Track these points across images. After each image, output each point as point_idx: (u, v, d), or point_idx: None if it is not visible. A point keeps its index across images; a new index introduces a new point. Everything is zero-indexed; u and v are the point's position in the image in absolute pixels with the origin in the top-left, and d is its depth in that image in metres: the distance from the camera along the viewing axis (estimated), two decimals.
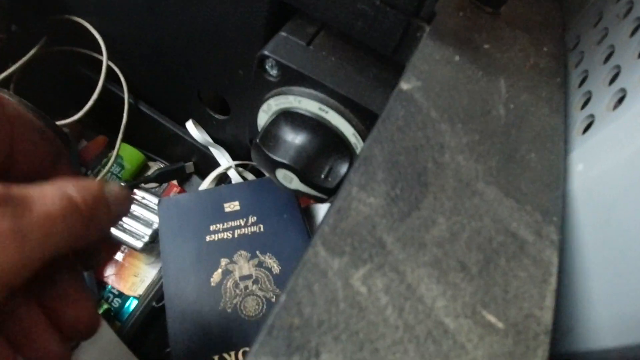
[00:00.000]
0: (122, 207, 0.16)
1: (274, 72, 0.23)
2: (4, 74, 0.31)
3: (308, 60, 0.22)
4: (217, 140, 0.36)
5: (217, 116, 0.33)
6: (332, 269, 0.11)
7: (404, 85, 0.17)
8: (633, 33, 0.23)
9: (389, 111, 0.15)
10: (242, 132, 0.33)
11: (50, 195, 0.13)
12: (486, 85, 0.19)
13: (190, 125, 0.35)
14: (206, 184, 0.34)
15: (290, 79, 0.23)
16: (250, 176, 0.36)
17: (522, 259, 0.14)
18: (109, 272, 0.32)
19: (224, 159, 0.35)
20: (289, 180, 0.24)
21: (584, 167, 0.20)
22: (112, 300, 0.31)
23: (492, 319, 0.13)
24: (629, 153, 0.17)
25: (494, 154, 0.16)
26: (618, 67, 0.22)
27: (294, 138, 0.23)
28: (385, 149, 0.14)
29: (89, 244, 0.15)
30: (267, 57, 0.22)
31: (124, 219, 0.33)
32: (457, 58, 0.19)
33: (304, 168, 0.23)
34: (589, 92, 0.23)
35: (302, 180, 0.23)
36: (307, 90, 0.23)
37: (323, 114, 0.23)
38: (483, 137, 0.17)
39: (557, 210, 0.16)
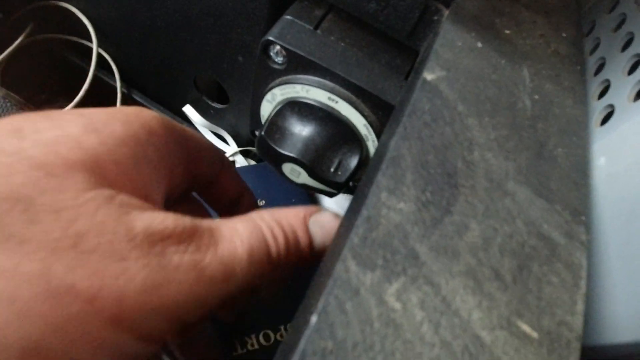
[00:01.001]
0: (326, 242, 0.15)
1: (279, 59, 0.21)
2: None
3: (316, 46, 0.21)
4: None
5: (215, 105, 0.32)
6: (365, 285, 0.10)
7: (429, 76, 0.15)
8: None
9: (414, 104, 0.14)
10: (242, 121, 0.31)
11: (241, 232, 0.12)
12: (510, 74, 0.18)
13: (188, 109, 0.33)
14: None
15: (297, 66, 0.21)
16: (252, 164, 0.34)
17: (554, 263, 0.14)
18: None
19: (226, 145, 0.33)
20: (297, 174, 0.23)
21: (606, 161, 0.19)
22: None
23: (526, 329, 0.12)
24: None
25: (522, 149, 0.15)
26: (638, 55, 0.21)
27: (302, 130, 0.22)
28: (414, 148, 0.13)
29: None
30: (272, 42, 0.21)
31: None
32: (479, 45, 0.18)
33: (312, 162, 0.22)
34: (607, 81, 0.22)
35: (311, 174, 0.22)
36: (316, 79, 0.21)
37: (332, 104, 0.21)
38: (511, 131, 0.16)
39: (585, 209, 0.16)
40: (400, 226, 0.12)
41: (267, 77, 0.22)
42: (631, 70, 0.21)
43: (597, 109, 0.22)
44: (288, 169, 0.23)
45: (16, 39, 0.32)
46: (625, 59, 0.22)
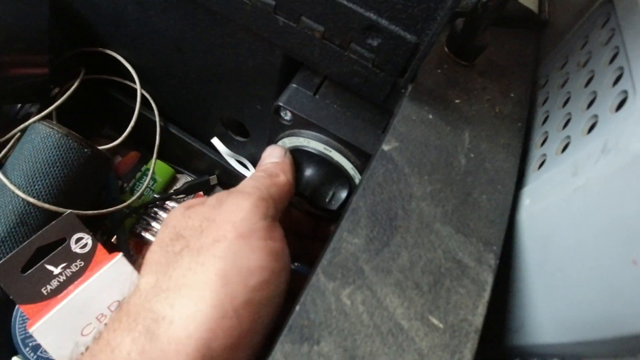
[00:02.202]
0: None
1: (287, 118, 0.30)
2: (48, 110, 0.38)
3: (315, 109, 0.29)
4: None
5: (238, 138, 0.40)
6: (328, 289, 0.19)
7: (385, 147, 0.23)
8: (587, 83, 0.28)
9: (372, 170, 0.22)
10: (259, 151, 0.40)
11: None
12: (452, 139, 0.26)
13: (216, 141, 0.42)
14: None
15: (301, 124, 0.29)
16: None
17: (463, 279, 0.21)
18: None
19: (247, 170, 0.42)
20: (301, 203, 0.31)
21: (529, 202, 0.26)
22: None
23: (435, 321, 0.20)
24: (563, 196, 0.23)
25: (451, 198, 0.23)
26: (569, 114, 0.28)
27: (304, 170, 0.30)
28: (368, 201, 0.21)
29: None
30: (282, 107, 0.29)
31: (158, 227, 0.41)
32: (430, 116, 0.26)
33: (311, 195, 0.30)
34: (546, 133, 0.29)
35: (311, 204, 0.30)
36: (315, 134, 0.29)
37: (327, 152, 0.29)
38: (444, 185, 0.23)
39: (498, 241, 0.23)
40: (354, 254, 0.20)
41: (279, 130, 0.31)
42: (564, 126, 0.28)
43: (537, 156, 0.29)
44: (295, 199, 0.31)
45: (66, 77, 0.41)
46: (561, 116, 0.28)
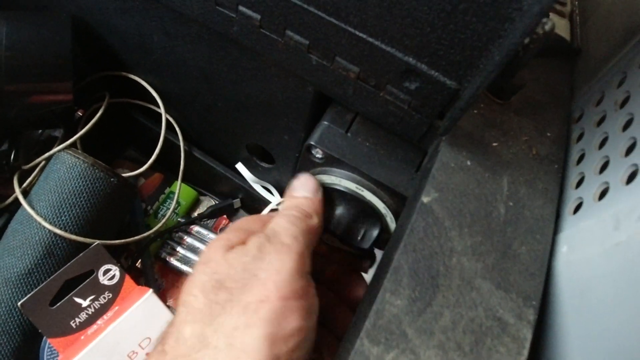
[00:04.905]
0: (305, 187, 0.29)
1: (319, 156, 0.30)
2: (72, 139, 0.39)
3: (347, 148, 0.29)
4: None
5: (263, 164, 0.41)
6: (373, 354, 0.19)
7: (425, 199, 0.24)
8: (625, 127, 0.28)
9: (412, 224, 0.23)
10: (284, 178, 0.40)
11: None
12: (491, 186, 0.26)
13: (241, 167, 0.42)
14: None
15: (333, 162, 0.30)
16: None
17: (504, 337, 0.22)
18: (171, 298, 0.41)
19: (271, 195, 0.43)
20: (332, 241, 0.31)
21: (567, 249, 0.26)
22: None
23: None
24: (603, 249, 0.23)
25: (491, 251, 0.23)
26: (607, 157, 0.28)
27: (336, 208, 0.31)
28: (410, 259, 0.22)
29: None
30: (314, 146, 0.29)
31: (185, 252, 0.41)
32: (468, 163, 0.26)
33: (342, 233, 0.30)
34: (582, 174, 0.29)
35: (342, 241, 0.31)
36: (347, 173, 0.30)
37: (359, 191, 0.30)
38: (484, 237, 0.24)
39: (537, 294, 0.24)
40: (397, 316, 0.20)
41: (309, 166, 0.31)
42: (601, 170, 0.27)
43: (572, 198, 0.29)
44: (326, 236, 0.31)
45: (90, 100, 0.42)
46: (598, 158, 0.28)
